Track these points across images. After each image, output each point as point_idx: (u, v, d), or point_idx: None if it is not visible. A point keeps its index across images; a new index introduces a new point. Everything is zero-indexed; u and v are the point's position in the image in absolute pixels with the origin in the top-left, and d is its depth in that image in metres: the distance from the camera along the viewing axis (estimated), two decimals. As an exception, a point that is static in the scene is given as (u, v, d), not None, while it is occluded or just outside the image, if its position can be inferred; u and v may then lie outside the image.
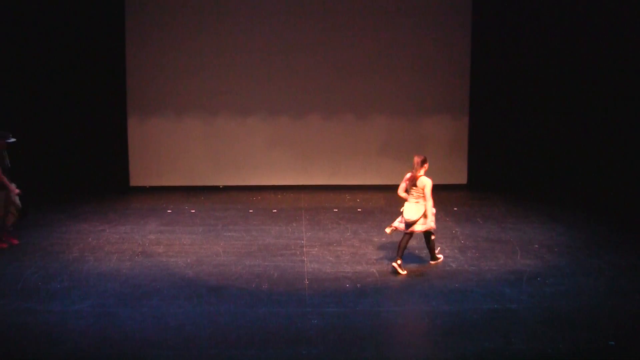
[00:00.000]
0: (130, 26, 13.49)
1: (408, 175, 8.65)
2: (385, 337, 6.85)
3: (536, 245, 9.83)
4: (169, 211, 12.05)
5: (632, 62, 12.38)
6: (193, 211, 12.04)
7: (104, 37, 13.25)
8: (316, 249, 9.73)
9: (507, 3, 13.32)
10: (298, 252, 9.54)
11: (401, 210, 8.74)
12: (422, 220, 8.57)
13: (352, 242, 10.08)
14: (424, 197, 8.53)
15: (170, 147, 14.00)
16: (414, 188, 8.59)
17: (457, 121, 14.11)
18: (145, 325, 7.10)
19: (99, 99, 13.32)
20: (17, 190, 9.59)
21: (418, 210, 8.55)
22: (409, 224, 8.61)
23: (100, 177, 13.56)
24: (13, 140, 9.70)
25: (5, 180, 9.47)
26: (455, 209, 12.18)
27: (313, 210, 12.16)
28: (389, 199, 12.55)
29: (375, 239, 10.18)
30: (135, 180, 13.97)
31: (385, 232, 8.91)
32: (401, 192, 8.72)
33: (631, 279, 8.47)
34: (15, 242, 9.82)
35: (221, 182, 14.16)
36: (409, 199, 8.65)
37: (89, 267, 8.84)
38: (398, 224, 8.76)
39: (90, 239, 10.22)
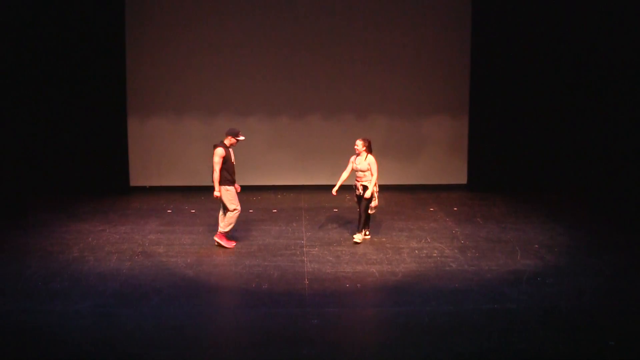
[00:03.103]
0: (130, 26, 13.48)
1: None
2: (385, 337, 6.85)
3: (536, 245, 9.82)
4: (169, 211, 12.06)
5: (631, 62, 12.37)
6: (193, 211, 12.03)
7: (104, 37, 13.24)
8: (316, 249, 9.73)
9: (507, 3, 13.31)
10: (298, 252, 9.54)
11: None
12: None
13: (352, 242, 10.07)
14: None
15: (170, 147, 14.00)
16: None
17: (457, 121, 14.11)
18: (145, 325, 7.10)
19: (99, 99, 13.31)
20: (219, 195, 9.64)
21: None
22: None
23: (100, 177, 13.55)
24: (242, 138, 9.84)
25: (216, 181, 9.62)
26: (455, 209, 12.19)
27: (313, 210, 12.15)
28: (388, 199, 12.54)
29: (375, 239, 10.17)
30: (135, 180, 13.97)
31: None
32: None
33: (631, 279, 8.47)
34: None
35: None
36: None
37: (89, 267, 8.83)
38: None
39: (90, 239, 10.22)
